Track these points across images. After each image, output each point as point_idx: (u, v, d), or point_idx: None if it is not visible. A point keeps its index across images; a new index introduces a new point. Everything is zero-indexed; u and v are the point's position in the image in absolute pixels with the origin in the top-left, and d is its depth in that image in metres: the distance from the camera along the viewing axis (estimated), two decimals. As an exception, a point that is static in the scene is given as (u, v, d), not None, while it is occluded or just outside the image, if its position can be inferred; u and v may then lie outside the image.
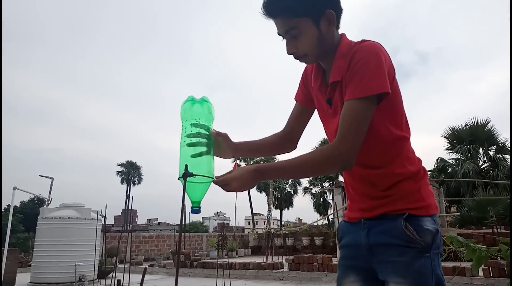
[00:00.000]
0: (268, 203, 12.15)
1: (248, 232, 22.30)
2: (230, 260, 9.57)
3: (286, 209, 38.37)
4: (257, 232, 18.63)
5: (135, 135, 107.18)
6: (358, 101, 1.18)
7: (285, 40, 1.33)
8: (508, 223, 12.96)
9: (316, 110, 1.49)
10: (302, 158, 1.21)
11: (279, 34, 1.33)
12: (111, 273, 7.13)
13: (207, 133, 1.33)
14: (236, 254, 14.14)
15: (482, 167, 18.38)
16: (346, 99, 1.21)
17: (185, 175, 1.24)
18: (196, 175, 1.25)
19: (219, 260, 8.09)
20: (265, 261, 9.84)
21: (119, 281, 4.47)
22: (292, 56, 1.34)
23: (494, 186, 16.59)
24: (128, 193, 47.88)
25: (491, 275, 6.48)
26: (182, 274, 9.81)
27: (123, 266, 6.58)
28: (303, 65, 1.45)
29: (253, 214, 37.36)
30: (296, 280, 8.12)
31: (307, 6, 1.26)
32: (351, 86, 1.21)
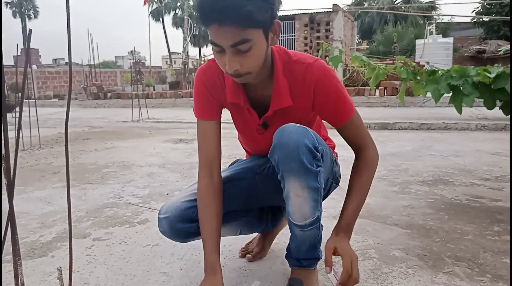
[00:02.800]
0: (183, 32, 11.57)
1: (166, 68, 21.84)
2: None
3: (205, 46, 37.52)
4: (174, 68, 18.30)
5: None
6: (354, 117, 1.22)
7: (221, 53, 1.06)
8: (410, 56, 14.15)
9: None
10: (365, 180, 1.24)
11: (216, 44, 1.04)
12: (16, 107, 6.73)
13: None
14: (154, 90, 14.03)
15: (396, 2, 18.88)
16: (343, 123, 1.22)
17: None
18: None
19: (134, 92, 7.96)
20: (183, 91, 9.90)
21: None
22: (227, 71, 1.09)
23: (403, 22, 17.37)
24: (23, 27, 42.64)
25: (385, 94, 7.33)
26: (96, 105, 9.66)
27: (28, 100, 6.19)
28: None
29: (170, 53, 36.21)
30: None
31: (265, 14, 1.02)
32: (339, 112, 1.21)
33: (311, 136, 1.09)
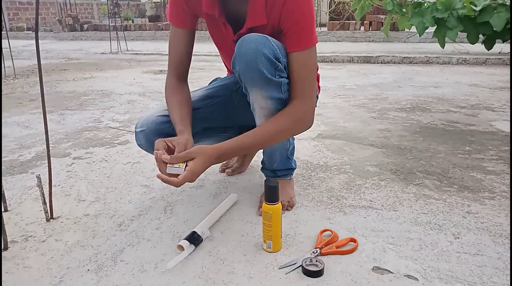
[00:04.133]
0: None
1: (145, 1, 20.77)
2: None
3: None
4: (154, 1, 17.42)
5: None
6: (308, 51, 1.10)
7: None
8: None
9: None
10: (270, 129, 1.10)
11: None
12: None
13: None
14: (133, 22, 13.44)
15: None
16: (295, 50, 1.10)
17: None
18: None
19: (112, 24, 7.61)
20: (163, 23, 9.51)
21: None
22: None
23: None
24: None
25: (370, 29, 7.21)
26: (72, 38, 9.25)
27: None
28: None
29: (149, -15, 34.20)
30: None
31: None
32: (297, 36, 1.09)
33: (271, 45, 1.05)
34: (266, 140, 1.11)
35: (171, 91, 1.24)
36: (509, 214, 1.22)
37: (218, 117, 1.38)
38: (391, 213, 1.24)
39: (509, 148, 1.80)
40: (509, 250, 1.04)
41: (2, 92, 3.39)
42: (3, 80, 4.05)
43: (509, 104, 2.64)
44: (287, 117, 1.11)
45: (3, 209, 1.30)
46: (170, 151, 1.05)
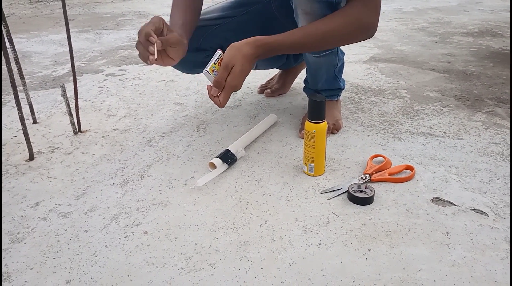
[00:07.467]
0: None
1: None
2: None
3: None
4: None
5: None
6: None
7: None
8: None
9: None
10: (321, 28, 0.89)
11: None
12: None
13: None
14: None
15: None
16: None
17: None
18: None
19: None
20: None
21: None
22: None
23: None
24: None
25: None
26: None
27: None
28: None
29: None
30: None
31: None
32: None
33: None
34: (316, 40, 0.91)
35: None
36: None
37: (253, 29, 1.19)
38: (455, 141, 1.07)
39: None
40: None
41: (42, 13, 3.33)
42: (43, 1, 3.99)
43: None
44: (342, 16, 0.90)
45: (31, 121, 1.25)
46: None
